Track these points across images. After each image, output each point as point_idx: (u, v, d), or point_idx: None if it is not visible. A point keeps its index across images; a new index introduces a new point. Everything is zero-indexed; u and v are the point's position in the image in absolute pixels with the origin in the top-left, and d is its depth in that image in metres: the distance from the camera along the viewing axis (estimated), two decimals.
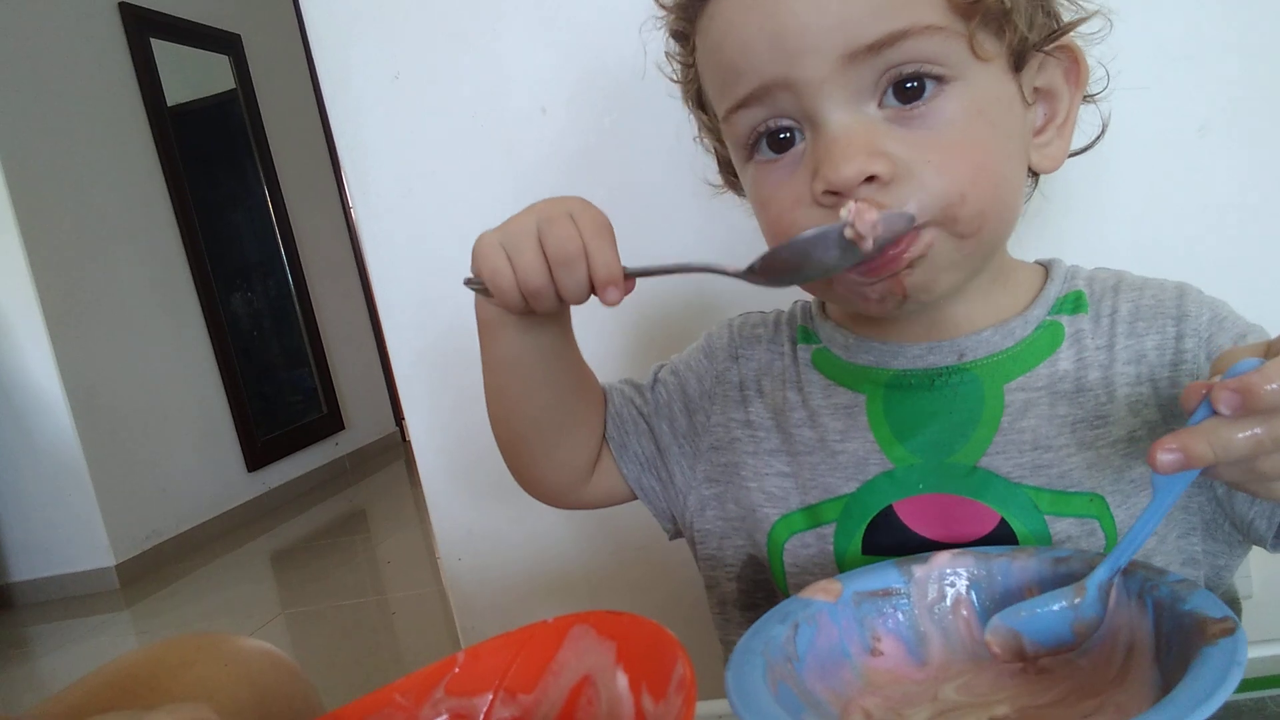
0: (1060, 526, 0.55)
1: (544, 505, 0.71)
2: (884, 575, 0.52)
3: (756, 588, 0.65)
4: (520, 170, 0.97)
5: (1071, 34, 0.56)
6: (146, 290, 3.43)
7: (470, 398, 0.64)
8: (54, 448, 3.05)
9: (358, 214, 1.02)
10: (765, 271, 0.51)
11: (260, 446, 3.84)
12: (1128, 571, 0.46)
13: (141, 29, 3.53)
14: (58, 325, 3.03)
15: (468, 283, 0.56)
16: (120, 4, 3.46)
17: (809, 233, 0.49)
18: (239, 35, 4.07)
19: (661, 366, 0.71)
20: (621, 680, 0.46)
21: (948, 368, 0.58)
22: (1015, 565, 0.51)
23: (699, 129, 0.65)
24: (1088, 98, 0.59)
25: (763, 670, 0.45)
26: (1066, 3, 0.56)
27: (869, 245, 0.48)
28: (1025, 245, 0.64)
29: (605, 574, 1.05)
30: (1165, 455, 0.39)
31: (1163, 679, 0.41)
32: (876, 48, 0.48)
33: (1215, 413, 0.38)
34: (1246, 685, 0.38)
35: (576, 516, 1.03)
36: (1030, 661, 0.47)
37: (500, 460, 0.68)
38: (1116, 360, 0.57)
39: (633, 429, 0.68)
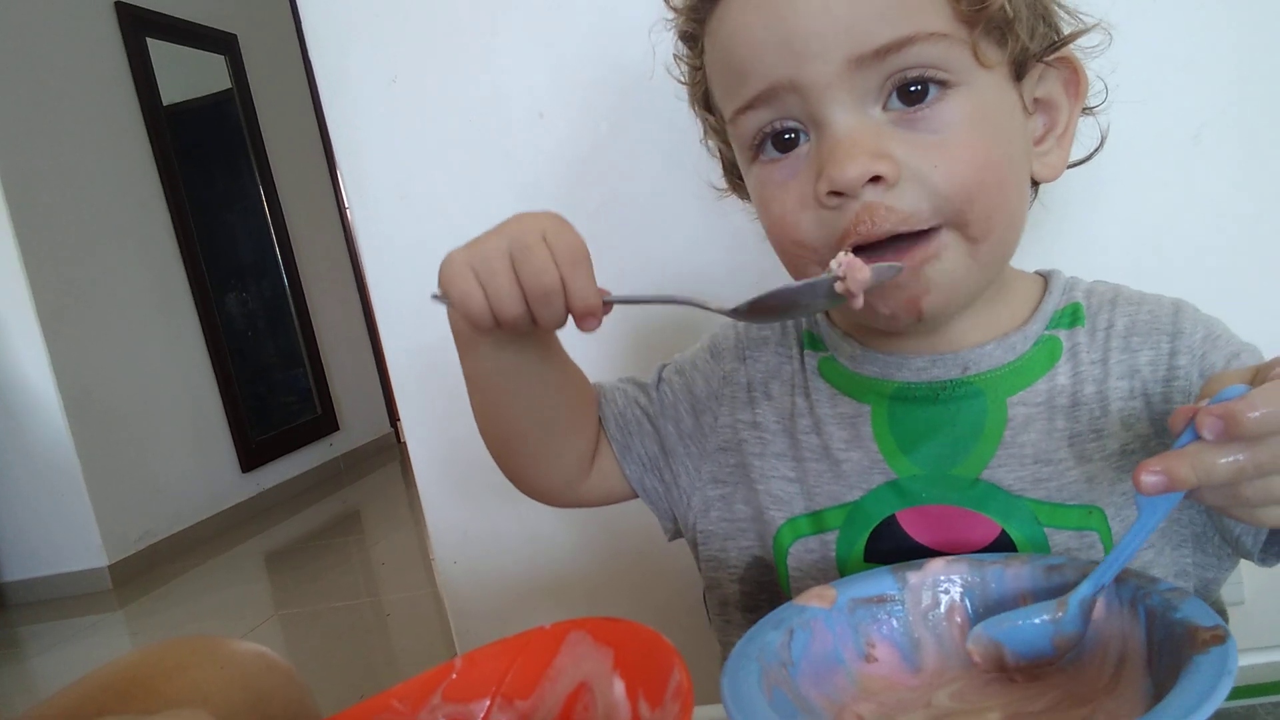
0: (1059, 539, 0.56)
1: (541, 507, 0.70)
2: (879, 582, 0.53)
3: (760, 590, 0.65)
4: (517, 174, 0.97)
5: (1071, 47, 0.56)
6: (141, 290, 3.42)
7: (466, 400, 0.63)
8: (47, 447, 3.04)
9: (354, 217, 1.02)
10: (751, 313, 0.52)
11: (254, 447, 3.83)
12: (1120, 580, 0.46)
13: (137, 28, 3.52)
14: (52, 324, 3.02)
15: (435, 298, 0.53)
16: (116, 3, 3.46)
17: (798, 283, 0.50)
18: (235, 35, 4.07)
19: (665, 366, 0.70)
20: (618, 687, 0.47)
21: (951, 381, 0.59)
22: (1009, 572, 0.51)
23: (705, 131, 0.65)
24: (1087, 110, 0.60)
25: (758, 676, 0.45)
26: (1066, 16, 0.57)
27: (859, 303, 0.49)
28: (1024, 254, 0.65)
29: (602, 577, 1.05)
30: (1149, 477, 0.39)
31: (1154, 687, 0.42)
32: (882, 53, 0.49)
33: (1200, 437, 0.39)
34: (1237, 693, 0.38)
35: (573, 519, 1.03)
36: (1011, 672, 0.47)
37: None
38: (1110, 375, 0.57)
39: (636, 430, 0.67)
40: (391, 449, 4.71)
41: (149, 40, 3.58)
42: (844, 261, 0.49)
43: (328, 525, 3.51)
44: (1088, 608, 0.46)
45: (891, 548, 0.58)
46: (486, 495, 1.05)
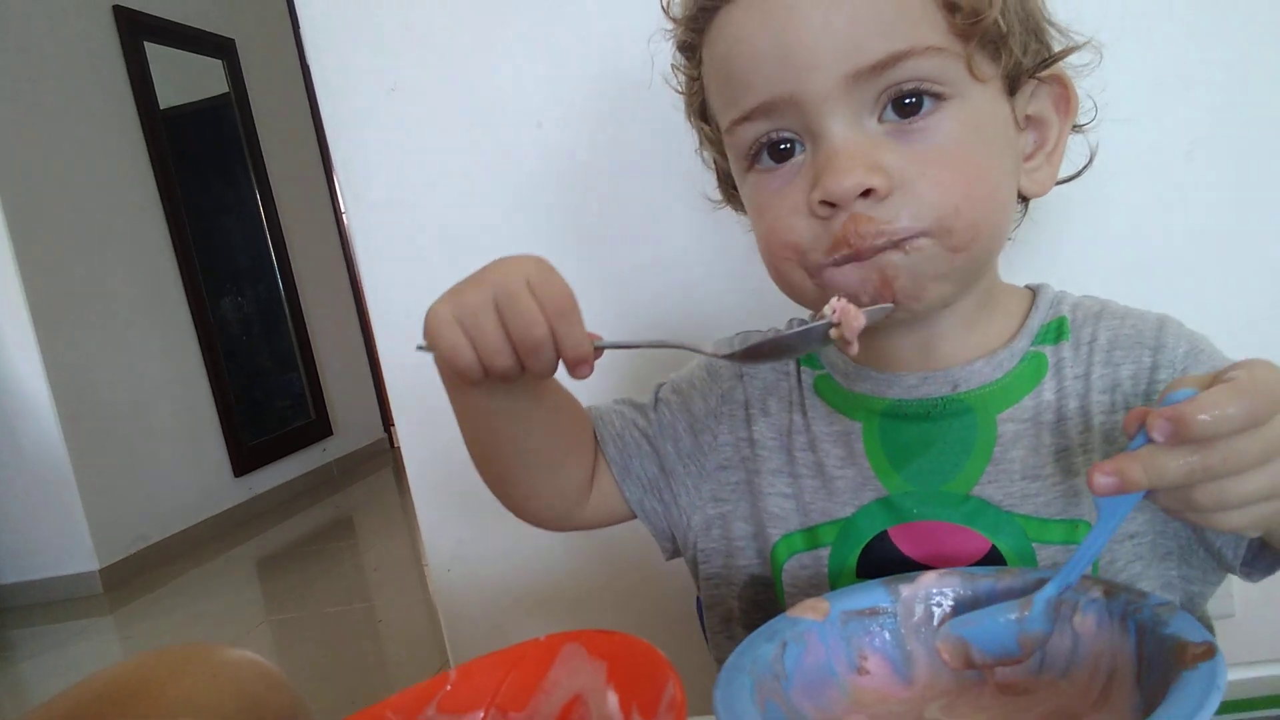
0: (1047, 553, 0.56)
1: None
2: (871, 594, 0.53)
3: (757, 608, 0.65)
4: (515, 184, 0.98)
5: (1062, 65, 0.57)
6: (136, 293, 3.42)
7: None
8: (40, 451, 3.04)
9: (352, 225, 1.02)
10: (745, 357, 0.53)
11: (247, 451, 3.83)
12: (1111, 594, 0.47)
13: (135, 32, 3.53)
14: (46, 327, 3.02)
15: (421, 349, 0.52)
16: (114, 7, 3.46)
17: (793, 331, 0.51)
18: (233, 40, 4.07)
19: (662, 385, 0.70)
20: (612, 700, 0.47)
21: (942, 398, 0.59)
22: (1000, 586, 0.51)
23: (700, 141, 0.66)
24: (1077, 128, 0.61)
25: (750, 689, 0.45)
26: (1058, 34, 0.58)
27: (854, 350, 0.50)
28: (1017, 269, 0.65)
29: (595, 587, 1.05)
30: (1102, 478, 0.40)
31: (1144, 702, 0.42)
32: (879, 67, 0.50)
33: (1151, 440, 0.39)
34: (1226, 708, 0.39)
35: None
36: (982, 669, 0.48)
37: None
38: (1093, 389, 0.58)
39: (635, 451, 0.67)
40: (385, 454, 4.70)
41: (147, 44, 3.59)
42: (838, 308, 0.50)
43: (321, 530, 3.51)
44: (1053, 608, 0.47)
45: (883, 563, 0.59)
46: (480, 503, 1.04)
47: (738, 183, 0.60)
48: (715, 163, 0.66)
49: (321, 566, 3.00)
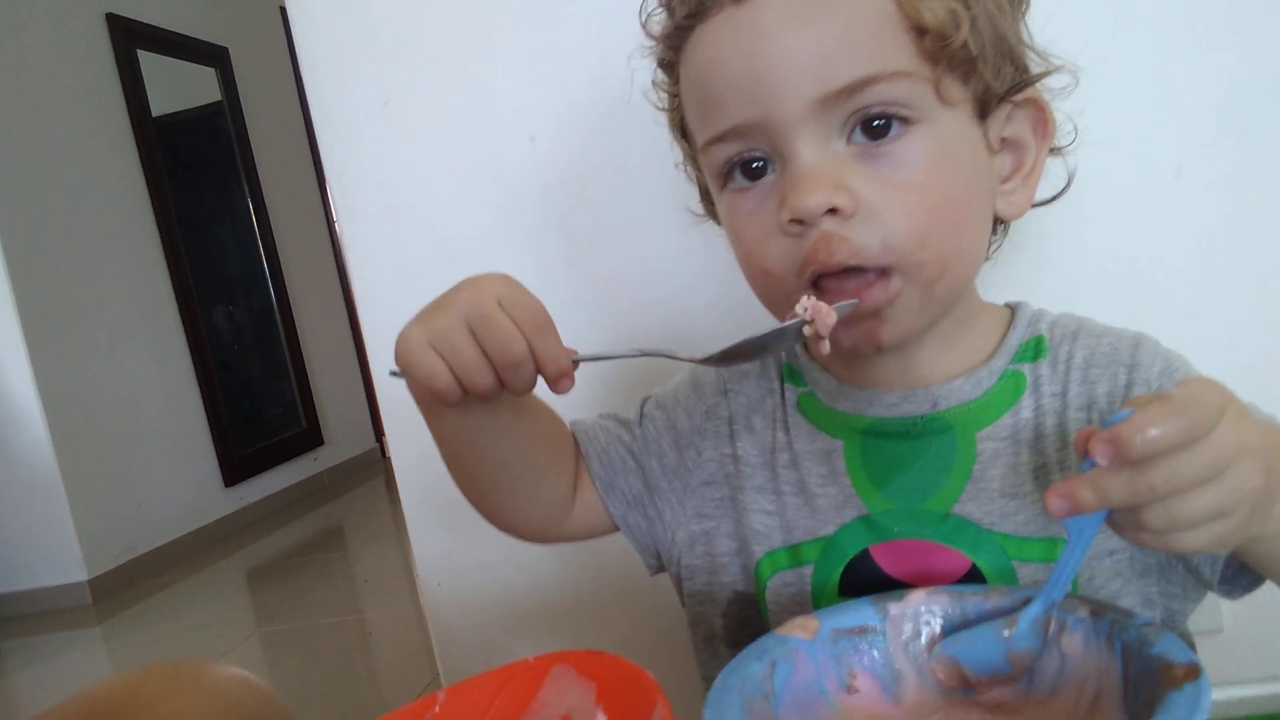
0: (1027, 571, 0.56)
1: None
2: (861, 612, 0.53)
3: (741, 625, 0.65)
4: (508, 197, 0.98)
5: (1039, 88, 0.57)
6: (127, 301, 3.41)
7: None
8: (28, 460, 3.02)
9: (345, 236, 1.02)
10: (723, 359, 0.53)
11: (238, 461, 3.81)
12: (1097, 614, 0.47)
13: (129, 40, 3.52)
14: (35, 335, 3.01)
15: (395, 374, 0.52)
16: (108, 15, 3.45)
17: (767, 330, 0.52)
18: (226, 48, 4.07)
19: (647, 400, 0.70)
20: None
21: (922, 416, 0.59)
22: (988, 604, 0.51)
23: (682, 157, 0.66)
24: (1055, 150, 0.61)
25: (740, 708, 0.45)
26: (1036, 57, 0.58)
27: (825, 347, 0.51)
28: (1003, 288, 0.66)
29: (587, 600, 1.05)
30: (1055, 500, 0.41)
31: None
32: (847, 92, 0.50)
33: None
34: None
35: (558, 545, 1.03)
36: (977, 689, 0.48)
37: None
38: (1069, 407, 0.58)
39: (620, 467, 0.67)
40: (376, 464, 4.69)
41: (140, 52, 3.58)
42: (810, 306, 0.51)
43: (311, 541, 3.49)
44: (1041, 625, 0.47)
45: (865, 581, 0.59)
46: (470, 516, 1.04)
47: (715, 199, 0.61)
48: (697, 178, 0.67)
49: (312, 577, 2.98)
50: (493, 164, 0.98)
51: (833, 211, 0.51)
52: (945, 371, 0.60)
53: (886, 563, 0.59)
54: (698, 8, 0.54)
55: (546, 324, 0.51)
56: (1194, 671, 0.40)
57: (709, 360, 0.53)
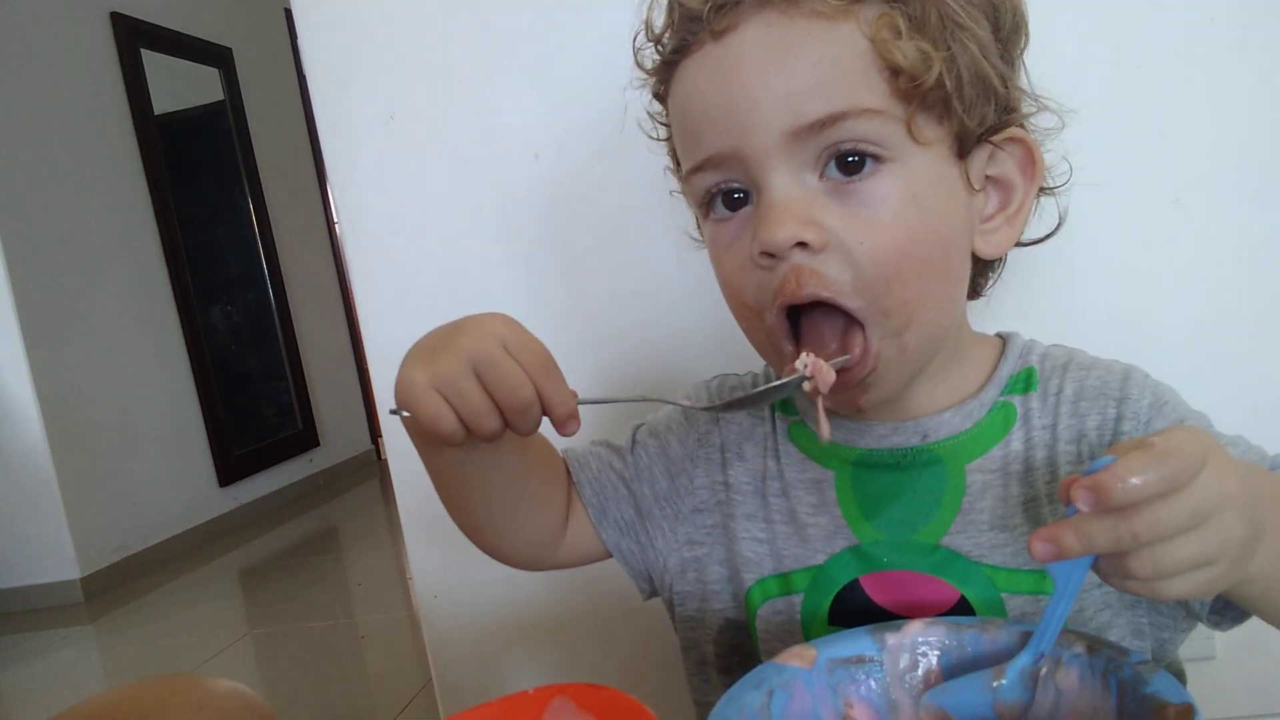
0: (1015, 603, 0.57)
1: None
2: (858, 642, 0.53)
3: (732, 652, 0.65)
4: (510, 214, 0.99)
5: (1031, 128, 0.57)
6: (125, 299, 3.41)
7: None
8: (23, 457, 3.01)
9: (348, 249, 1.02)
10: (725, 409, 0.56)
11: (233, 461, 3.80)
12: (1093, 650, 0.47)
13: (132, 39, 3.53)
14: (33, 332, 3.00)
15: (396, 414, 0.52)
16: (111, 13, 3.46)
17: (768, 386, 0.54)
18: (230, 49, 4.07)
19: (639, 427, 0.71)
20: None
21: (912, 448, 0.60)
22: (985, 637, 0.52)
23: (679, 186, 0.67)
24: (1046, 190, 0.61)
25: None
26: (1031, 98, 0.58)
27: (825, 402, 0.53)
28: (1000, 316, 0.66)
29: (583, 616, 1.05)
30: (1039, 545, 0.41)
31: None
32: (818, 126, 0.51)
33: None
34: None
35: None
36: None
37: None
38: (1059, 439, 0.58)
39: (612, 494, 0.68)
40: (372, 466, 4.68)
41: (143, 51, 3.58)
42: (810, 364, 0.52)
43: (305, 542, 3.49)
44: (1029, 677, 0.47)
45: (855, 611, 0.59)
46: None
47: (699, 227, 0.62)
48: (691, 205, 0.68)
49: (305, 579, 2.98)
50: (496, 180, 0.98)
51: (802, 245, 0.51)
52: (935, 404, 0.60)
53: (876, 593, 0.59)
54: (681, 43, 0.56)
55: (552, 367, 0.51)
56: (1188, 712, 0.40)
57: (712, 409, 0.54)
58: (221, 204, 4.10)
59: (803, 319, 0.55)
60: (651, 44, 0.59)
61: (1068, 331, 0.66)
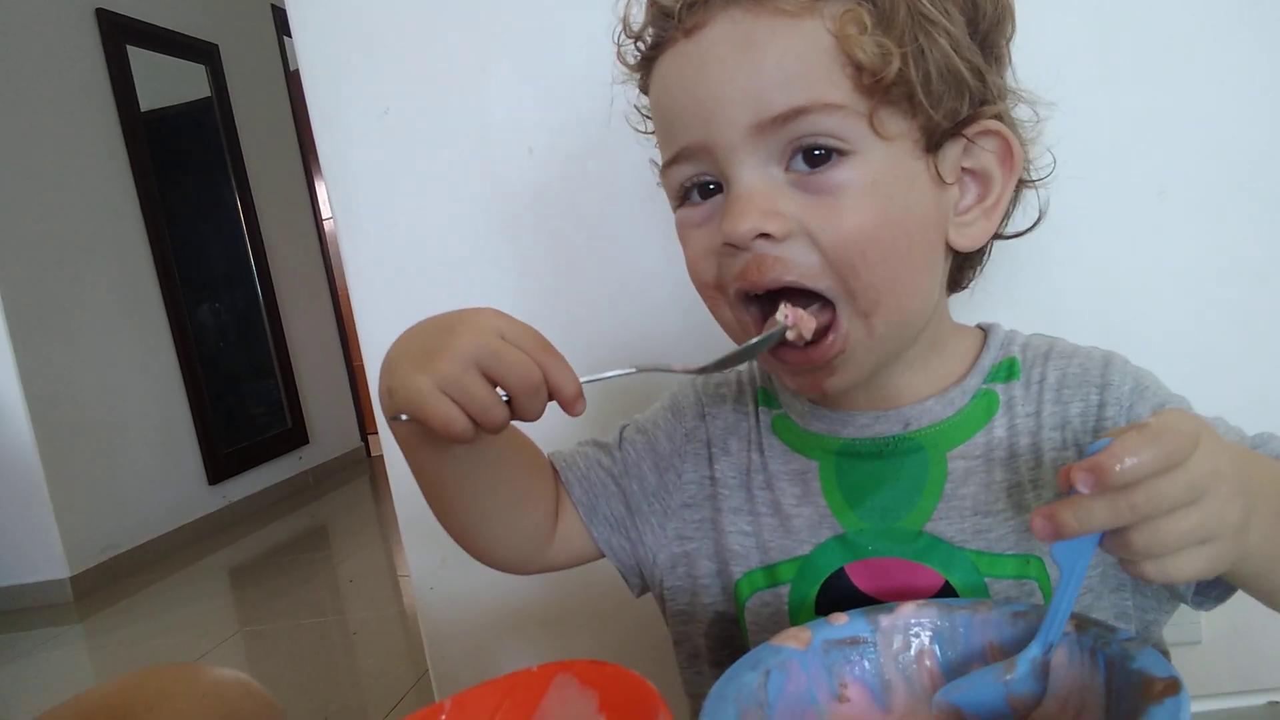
0: (999, 588, 0.58)
1: None
2: (852, 624, 0.54)
3: (723, 645, 0.66)
4: (504, 208, 0.99)
5: (1011, 121, 0.58)
6: (112, 297, 3.39)
7: None
8: (11, 456, 2.99)
9: (342, 246, 1.03)
10: (717, 367, 0.56)
11: (222, 459, 3.79)
12: (1081, 628, 0.48)
13: (118, 36, 3.50)
14: (19, 330, 2.98)
15: (399, 419, 0.51)
16: (97, 10, 3.44)
17: (757, 339, 0.55)
18: (216, 45, 4.05)
19: (626, 426, 0.71)
20: None
21: (894, 437, 0.61)
22: (977, 618, 0.53)
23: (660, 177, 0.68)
24: (1028, 183, 0.61)
25: (735, 717, 0.46)
26: (1010, 92, 0.58)
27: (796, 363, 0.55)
28: (985, 308, 0.67)
29: (579, 607, 1.05)
30: (1039, 522, 0.42)
31: None
32: (780, 120, 0.52)
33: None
34: None
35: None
36: None
37: None
38: (1044, 426, 0.59)
39: (602, 491, 0.68)
40: (362, 463, 4.67)
41: (129, 48, 3.56)
42: (789, 314, 0.54)
43: (295, 540, 3.48)
44: (1039, 668, 0.47)
45: (841, 599, 0.60)
46: None
47: (675, 216, 0.62)
48: None
49: (295, 577, 2.97)
50: (491, 174, 0.99)
51: (765, 236, 0.53)
52: (917, 392, 0.61)
53: (862, 581, 0.60)
54: (656, 40, 0.58)
55: (553, 349, 0.52)
56: (1174, 686, 0.41)
57: (704, 369, 0.55)
58: (209, 201, 4.08)
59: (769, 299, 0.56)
60: (631, 41, 0.60)
61: (1054, 324, 0.67)
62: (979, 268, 0.65)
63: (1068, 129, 0.64)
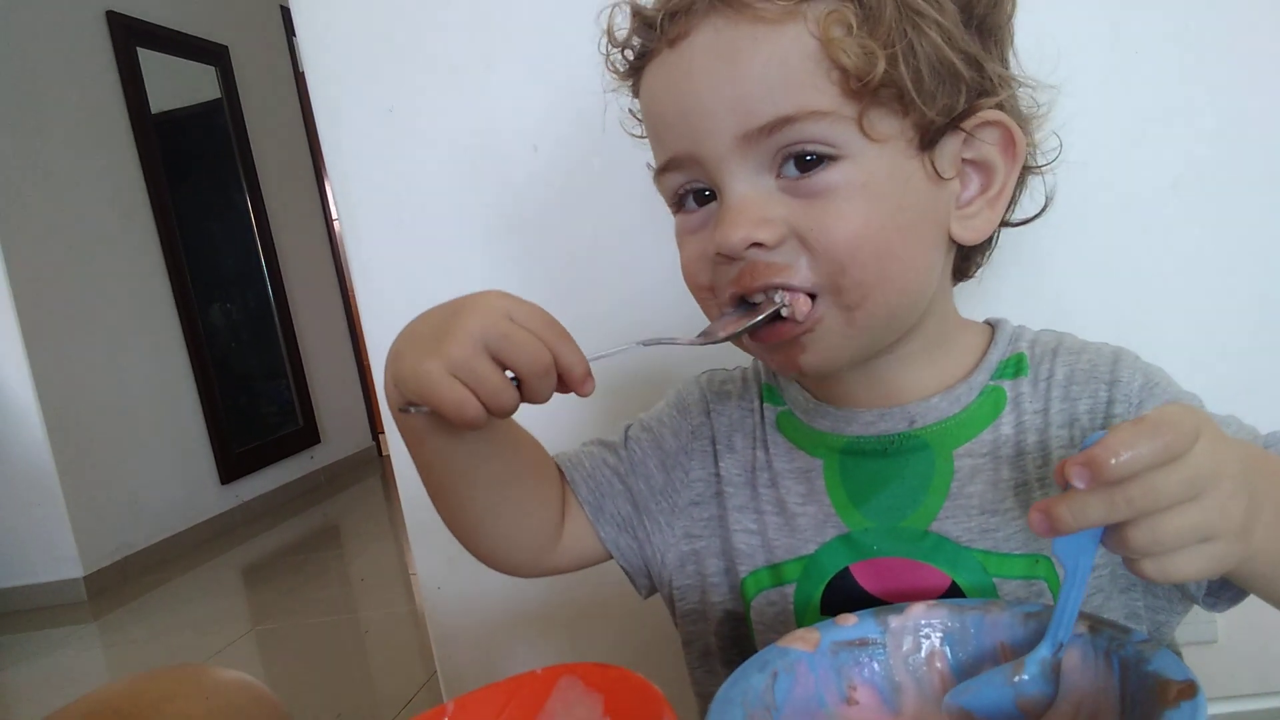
0: (1008, 588, 0.57)
1: None
2: (861, 625, 0.53)
3: (733, 644, 0.65)
4: (510, 206, 0.99)
5: (1013, 109, 0.56)
6: (124, 299, 3.41)
7: None
8: (25, 456, 3.01)
9: (348, 243, 1.03)
10: (722, 339, 0.56)
11: (235, 459, 3.81)
12: (1095, 630, 0.47)
13: (128, 38, 3.52)
14: (33, 331, 3.00)
15: (412, 410, 0.51)
16: (108, 12, 3.45)
17: (755, 318, 0.54)
18: (226, 47, 4.07)
19: (631, 425, 0.70)
20: None
21: (899, 434, 0.60)
22: (988, 619, 0.52)
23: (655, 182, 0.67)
24: (1033, 169, 0.60)
25: (742, 719, 0.46)
26: (1013, 78, 0.57)
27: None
28: (996, 301, 0.66)
29: (587, 607, 1.05)
30: (1036, 516, 0.41)
31: None
32: (768, 129, 0.51)
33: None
34: None
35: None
36: None
37: None
38: (1051, 424, 0.58)
39: (608, 490, 0.67)
40: (373, 462, 4.69)
41: (140, 50, 3.58)
42: (785, 299, 0.54)
43: (307, 539, 3.49)
44: (1049, 669, 0.47)
45: (847, 599, 0.59)
46: None
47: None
48: None
49: (307, 575, 2.98)
50: (496, 172, 0.98)
51: (757, 245, 0.52)
52: (923, 389, 0.60)
53: (867, 581, 0.59)
54: (642, 50, 0.57)
55: (562, 330, 0.51)
56: (1191, 689, 0.40)
57: (708, 340, 0.55)
58: (219, 202, 4.10)
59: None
60: (617, 50, 0.60)
61: (1064, 317, 0.66)
62: (986, 255, 0.64)
63: (1079, 121, 0.63)
